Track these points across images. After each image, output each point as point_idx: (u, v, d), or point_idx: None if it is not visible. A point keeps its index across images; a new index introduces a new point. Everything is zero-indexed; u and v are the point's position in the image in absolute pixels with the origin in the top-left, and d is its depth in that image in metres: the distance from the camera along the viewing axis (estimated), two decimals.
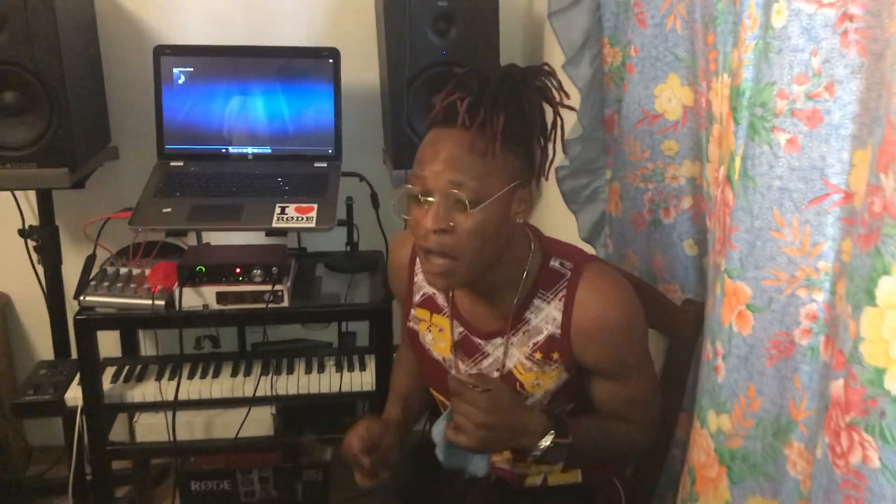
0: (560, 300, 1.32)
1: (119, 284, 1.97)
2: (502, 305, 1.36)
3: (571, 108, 1.28)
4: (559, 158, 1.70)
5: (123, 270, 2.02)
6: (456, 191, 1.20)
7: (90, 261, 2.05)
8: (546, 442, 1.26)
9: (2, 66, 1.93)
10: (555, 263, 1.34)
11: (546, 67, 1.26)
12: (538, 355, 1.35)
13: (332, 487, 2.41)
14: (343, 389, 2.09)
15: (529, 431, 1.26)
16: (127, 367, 2.10)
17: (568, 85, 1.64)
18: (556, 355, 1.34)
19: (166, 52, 2.12)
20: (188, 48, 2.14)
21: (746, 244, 1.06)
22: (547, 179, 1.31)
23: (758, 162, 1.02)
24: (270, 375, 2.08)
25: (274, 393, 2.06)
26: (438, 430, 1.30)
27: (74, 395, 2.02)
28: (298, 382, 2.08)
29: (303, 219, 1.96)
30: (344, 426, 2.16)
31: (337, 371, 2.12)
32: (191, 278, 1.93)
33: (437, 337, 1.45)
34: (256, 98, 2.15)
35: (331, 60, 2.14)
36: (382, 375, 2.06)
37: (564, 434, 1.28)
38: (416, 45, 2.06)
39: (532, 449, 1.27)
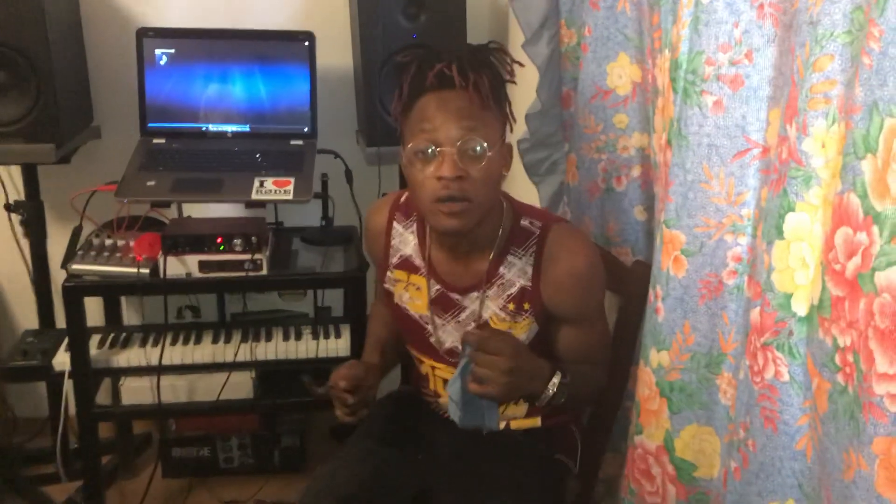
0: (531, 255, 1.46)
1: (105, 254, 2.07)
2: (478, 262, 1.49)
3: (513, 82, 1.41)
4: (519, 131, 1.85)
5: (109, 241, 2.12)
6: (471, 135, 1.32)
7: (77, 232, 2.14)
8: (554, 384, 1.38)
9: None
10: (525, 222, 1.48)
11: (493, 44, 1.40)
12: (511, 306, 1.48)
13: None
14: (319, 355, 2.20)
15: (541, 375, 1.38)
16: (112, 335, 2.19)
17: (527, 63, 1.78)
18: (527, 306, 1.47)
19: (149, 35, 2.22)
20: (170, 31, 2.24)
21: (680, 196, 1.21)
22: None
23: (690, 122, 1.16)
24: (250, 342, 2.19)
25: (253, 358, 2.17)
26: (455, 390, 1.37)
27: (62, 360, 2.11)
28: (277, 349, 2.19)
29: (280, 191, 2.08)
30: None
31: (313, 339, 2.23)
32: (174, 247, 2.03)
33: (414, 295, 1.57)
34: (235, 79, 2.26)
35: (306, 43, 2.26)
36: (357, 342, 2.17)
37: (564, 374, 1.40)
38: (387, 28, 2.17)
39: (542, 392, 1.38)
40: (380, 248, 1.61)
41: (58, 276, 2.16)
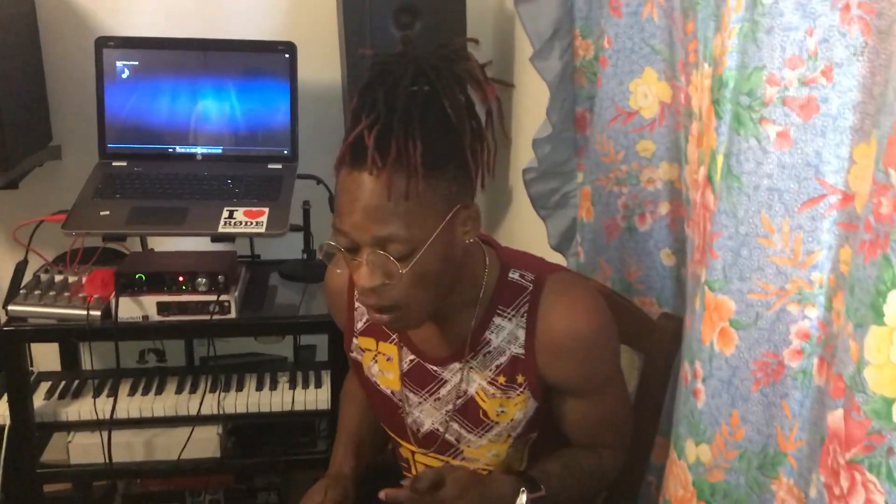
0: (522, 316, 1.19)
1: (52, 293, 1.81)
2: (458, 327, 1.21)
3: (509, 85, 1.12)
4: (524, 155, 1.59)
5: (59, 278, 1.87)
6: (383, 249, 1.04)
7: (21, 267, 1.89)
8: (522, 501, 1.13)
9: None
10: (514, 276, 1.20)
11: (462, 51, 1.09)
12: (501, 379, 1.21)
13: None
14: (296, 408, 1.95)
15: (502, 496, 1.15)
16: (63, 383, 1.95)
17: (537, 79, 1.52)
18: (520, 378, 1.20)
19: (109, 45, 1.97)
20: (133, 40, 2.00)
21: (730, 252, 0.94)
22: (493, 175, 1.13)
23: (743, 158, 0.89)
24: (218, 392, 1.93)
25: (221, 411, 1.92)
26: None
27: (1, 413, 1.86)
28: (248, 400, 1.94)
29: (252, 223, 1.82)
30: (298, 447, 2.06)
31: (290, 388, 1.98)
32: (129, 287, 1.78)
33: (385, 367, 1.30)
34: (207, 94, 2.01)
35: (287, 55, 2.00)
36: (338, 392, 1.92)
37: (536, 487, 1.16)
38: (376, 39, 1.93)
39: None
40: (342, 310, 1.34)
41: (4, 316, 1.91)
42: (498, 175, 1.80)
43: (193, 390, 1.94)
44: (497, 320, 1.20)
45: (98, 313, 1.78)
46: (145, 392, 1.93)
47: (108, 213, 1.83)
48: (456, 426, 1.25)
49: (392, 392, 1.30)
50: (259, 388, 1.98)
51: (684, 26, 1.20)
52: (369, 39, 1.93)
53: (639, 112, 1.38)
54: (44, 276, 1.87)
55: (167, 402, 1.90)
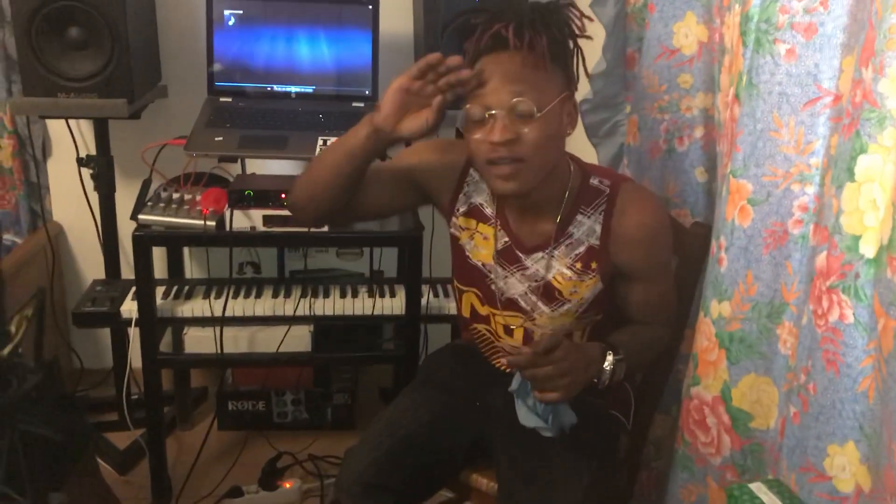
0: (600, 214, 1.48)
1: (173, 206, 2.13)
2: (546, 222, 1.51)
3: (587, 37, 1.42)
4: (582, 90, 1.86)
5: (176, 195, 2.18)
6: (519, 99, 1.34)
7: (146, 184, 2.22)
8: (609, 363, 1.42)
9: (70, 2, 2.10)
10: (594, 181, 1.50)
11: (563, 1, 1.41)
12: (578, 265, 1.51)
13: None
14: (375, 313, 2.25)
15: (595, 360, 1.42)
16: (176, 287, 2.27)
17: (594, 22, 1.80)
18: (594, 265, 1.50)
19: None
20: None
21: (749, 145, 1.22)
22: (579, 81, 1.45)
23: (761, 71, 1.18)
24: (309, 298, 2.24)
25: (312, 313, 2.23)
26: (524, 414, 1.45)
27: (129, 308, 2.19)
28: (334, 305, 2.24)
29: None
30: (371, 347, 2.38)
31: (369, 297, 2.28)
32: (240, 201, 2.10)
33: (480, 244, 1.60)
34: (300, 40, 2.31)
35: (370, 7, 2.30)
36: (412, 302, 2.22)
37: (616, 352, 1.43)
38: None
39: (600, 375, 1.42)
40: (449, 185, 1.61)
41: (125, 229, 2.24)
42: None
43: (287, 296, 2.24)
44: (579, 217, 1.49)
45: (213, 223, 2.10)
46: (247, 296, 2.24)
47: (221, 138, 2.14)
48: (534, 298, 1.55)
49: (483, 264, 1.60)
50: (342, 295, 2.28)
51: None
52: None
53: (680, 50, 1.65)
54: (163, 193, 2.18)
55: (266, 305, 2.20)
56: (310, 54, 2.32)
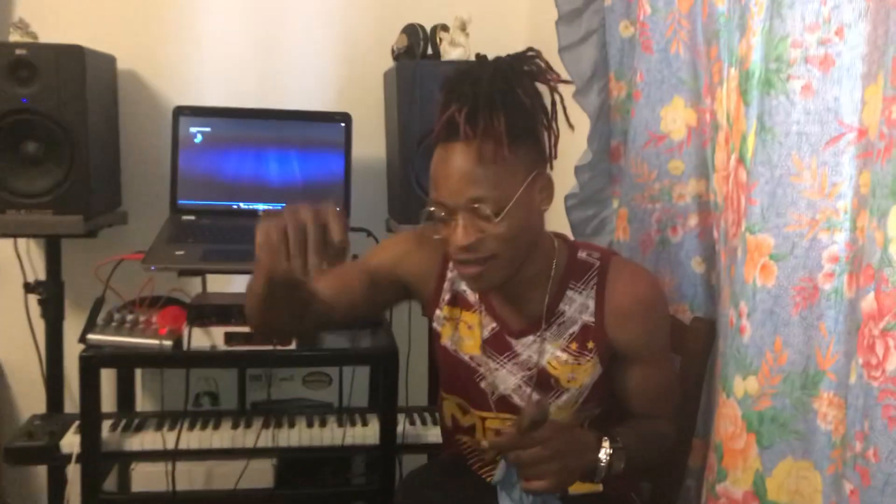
0: (591, 288, 1.37)
1: (127, 326, 1.97)
2: (532, 302, 1.39)
3: (568, 82, 1.34)
4: (569, 183, 1.79)
5: (130, 316, 2.02)
6: (478, 205, 1.23)
7: (98, 304, 2.05)
8: (606, 449, 1.27)
9: (30, 115, 2.01)
10: (583, 255, 1.40)
11: (531, 52, 1.31)
12: (574, 346, 1.38)
13: None
14: (346, 443, 2.06)
15: (589, 445, 1.27)
16: (124, 421, 2.06)
17: (580, 112, 1.76)
18: (590, 344, 1.37)
19: (185, 113, 2.22)
20: (207, 109, 2.24)
21: (767, 195, 1.13)
22: (556, 158, 1.34)
23: (775, 112, 1.11)
24: (272, 428, 2.05)
25: (275, 444, 2.03)
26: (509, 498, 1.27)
27: (70, 441, 1.97)
28: (300, 435, 2.05)
29: None
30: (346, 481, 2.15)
31: (339, 426, 2.10)
32: (200, 317, 1.94)
33: (466, 334, 1.46)
34: (270, 158, 2.24)
35: (343, 124, 2.25)
36: (387, 429, 2.04)
37: (614, 440, 1.29)
38: (425, 112, 2.15)
39: (597, 464, 1.27)
40: (432, 274, 1.50)
41: (71, 359, 2.06)
42: None
43: (248, 426, 2.05)
44: (570, 293, 1.37)
45: (170, 342, 1.93)
46: (203, 428, 2.05)
47: (182, 252, 2.01)
48: (528, 390, 1.40)
49: (471, 357, 1.45)
50: (309, 425, 2.09)
51: (708, 53, 1.45)
52: (419, 111, 2.17)
53: (669, 136, 1.60)
54: (117, 314, 2.02)
55: (224, 436, 2.01)
56: (279, 172, 2.25)
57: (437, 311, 1.50)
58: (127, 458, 2.01)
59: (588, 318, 1.37)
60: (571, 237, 1.79)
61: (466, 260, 1.28)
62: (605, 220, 1.80)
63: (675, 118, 1.59)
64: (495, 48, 1.35)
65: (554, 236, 1.42)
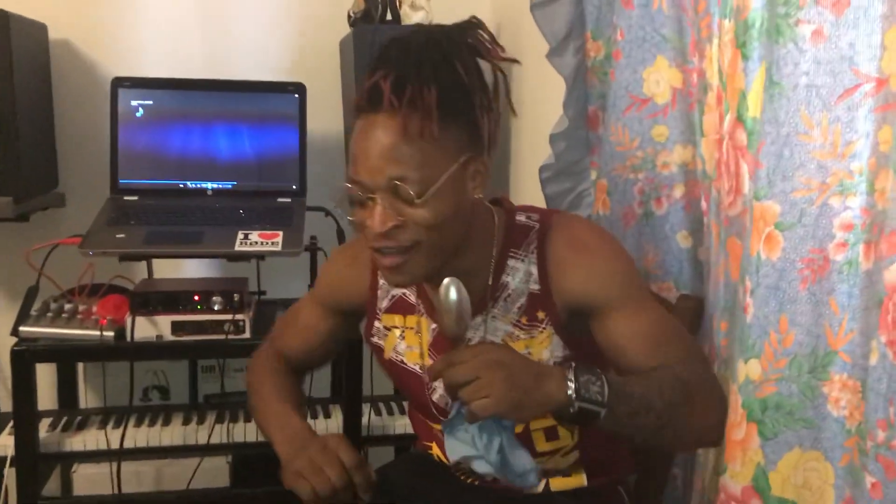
0: (533, 253, 1.22)
1: (64, 317, 1.81)
2: (476, 282, 1.23)
3: (514, 61, 1.18)
4: (544, 153, 1.66)
5: (68, 306, 1.86)
6: (398, 185, 1.08)
7: (31, 293, 1.88)
8: (571, 378, 1.01)
9: None
10: (521, 218, 1.24)
11: (473, 20, 1.15)
12: (524, 320, 1.23)
13: None
14: None
15: (547, 372, 1.04)
16: (65, 419, 1.91)
17: (553, 75, 1.62)
18: (541, 314, 1.22)
19: (125, 85, 2.04)
20: (148, 81, 2.08)
21: (773, 157, 1.01)
22: (495, 146, 1.18)
23: (783, 63, 0.98)
24: (226, 423, 1.91)
25: (230, 440, 1.89)
26: (451, 445, 1.10)
27: (3, 444, 1.81)
28: (257, 430, 1.90)
29: (268, 243, 1.86)
30: None
31: None
32: (144, 306, 1.79)
33: (412, 342, 1.31)
34: (218, 132, 2.08)
35: (296, 95, 2.10)
36: (351, 421, 1.91)
37: (589, 370, 1.04)
38: None
39: (563, 395, 1.01)
40: (365, 289, 1.35)
41: (3, 351, 1.88)
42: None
43: (201, 422, 1.91)
44: (511, 262, 1.22)
45: (111, 334, 1.78)
46: (152, 424, 1.90)
47: (123, 235, 1.85)
48: None
49: (420, 367, 1.30)
50: None
51: (695, 6, 1.32)
52: None
53: (652, 99, 1.47)
54: (53, 304, 1.86)
55: (175, 433, 1.88)
56: (229, 147, 2.09)
57: (376, 324, 1.35)
58: (68, 460, 1.88)
59: (534, 286, 1.22)
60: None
61: (384, 248, 1.12)
62: (583, 192, 1.67)
63: (659, 80, 1.46)
64: (460, 12, 1.19)
65: (496, 209, 1.26)
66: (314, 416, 1.97)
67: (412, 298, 1.31)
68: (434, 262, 1.15)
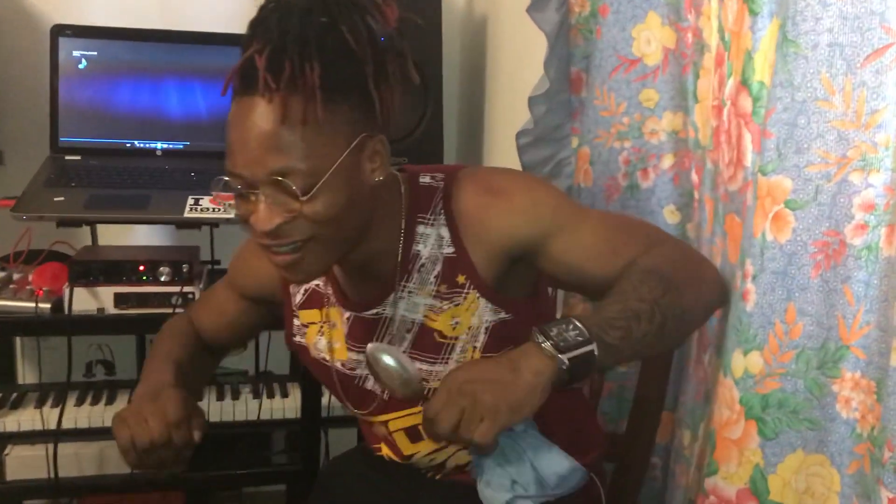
0: (440, 214, 1.08)
1: None
2: (386, 262, 1.10)
3: (413, 20, 1.01)
4: (522, 117, 1.53)
5: (2, 274, 1.71)
6: (282, 180, 0.94)
7: None
8: (541, 340, 0.91)
9: None
10: (425, 179, 1.11)
11: None
12: (443, 288, 1.09)
13: None
14: (262, 417, 1.81)
15: (518, 354, 0.93)
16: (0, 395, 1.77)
17: (534, 31, 1.49)
18: (461, 278, 1.08)
19: (66, 33, 1.87)
20: (92, 29, 1.90)
21: (785, 126, 0.89)
22: (391, 123, 1.03)
23: (800, 19, 0.86)
24: None
25: None
26: (493, 493, 1.01)
27: None
28: (209, 409, 1.78)
29: (220, 209, 1.71)
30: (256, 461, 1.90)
31: (255, 398, 1.84)
32: (84, 276, 1.64)
33: (334, 336, 1.18)
34: (169, 88, 1.92)
35: None
36: (310, 401, 1.79)
37: (554, 322, 0.94)
38: None
39: (552, 359, 0.90)
40: (273, 281, 1.21)
41: None
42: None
43: None
44: (420, 229, 1.09)
45: (48, 306, 1.63)
46: (95, 402, 1.77)
47: (62, 199, 1.69)
48: (418, 365, 1.11)
49: (342, 363, 1.18)
50: (219, 398, 1.83)
51: None
52: None
53: (641, 59, 1.35)
54: None
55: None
56: (180, 104, 1.92)
57: (295, 322, 1.22)
58: (1, 441, 1.71)
59: (447, 249, 1.08)
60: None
61: (274, 247, 0.98)
62: (563, 161, 1.54)
63: (650, 39, 1.33)
64: None
65: (398, 172, 1.12)
66: (270, 396, 1.85)
67: (326, 289, 1.18)
68: (333, 254, 1.02)
